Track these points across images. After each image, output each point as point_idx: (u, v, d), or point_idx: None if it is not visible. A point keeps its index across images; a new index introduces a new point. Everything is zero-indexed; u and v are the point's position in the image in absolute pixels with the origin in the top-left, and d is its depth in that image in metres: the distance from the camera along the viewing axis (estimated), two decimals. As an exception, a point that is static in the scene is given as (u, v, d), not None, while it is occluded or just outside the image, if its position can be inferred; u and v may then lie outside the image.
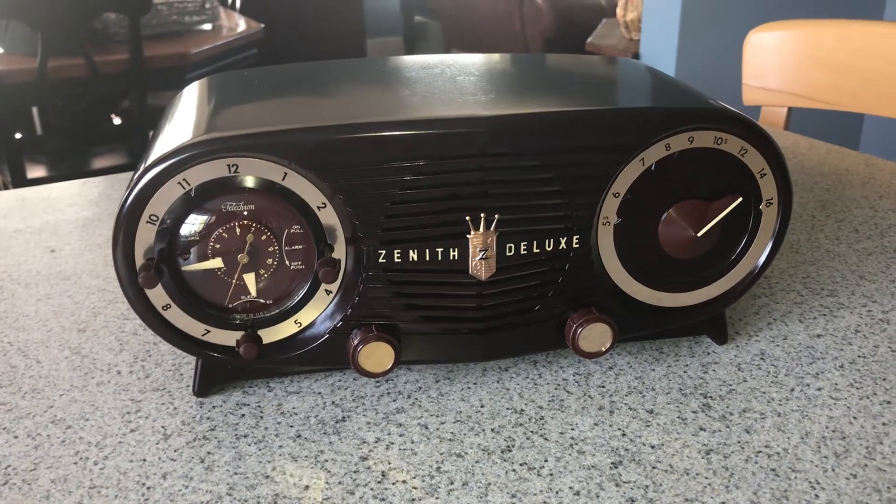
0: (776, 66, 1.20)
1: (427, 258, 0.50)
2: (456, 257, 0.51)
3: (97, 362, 0.57)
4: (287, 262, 0.51)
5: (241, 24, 2.81)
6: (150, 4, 2.37)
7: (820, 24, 1.18)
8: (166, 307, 0.50)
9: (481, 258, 0.50)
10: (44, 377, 0.55)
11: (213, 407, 0.52)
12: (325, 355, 0.52)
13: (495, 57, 0.66)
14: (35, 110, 2.65)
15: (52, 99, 2.43)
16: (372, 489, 0.45)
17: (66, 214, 0.84)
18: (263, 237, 0.50)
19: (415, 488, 0.45)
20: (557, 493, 0.44)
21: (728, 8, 2.10)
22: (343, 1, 4.33)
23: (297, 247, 0.50)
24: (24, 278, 0.69)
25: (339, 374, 0.55)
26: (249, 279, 0.51)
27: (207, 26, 2.67)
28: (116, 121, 2.76)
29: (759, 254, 0.55)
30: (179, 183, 0.48)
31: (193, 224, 0.49)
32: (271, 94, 0.57)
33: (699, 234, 0.52)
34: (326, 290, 0.51)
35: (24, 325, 0.62)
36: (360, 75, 0.61)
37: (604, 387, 0.54)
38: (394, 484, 0.45)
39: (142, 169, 0.48)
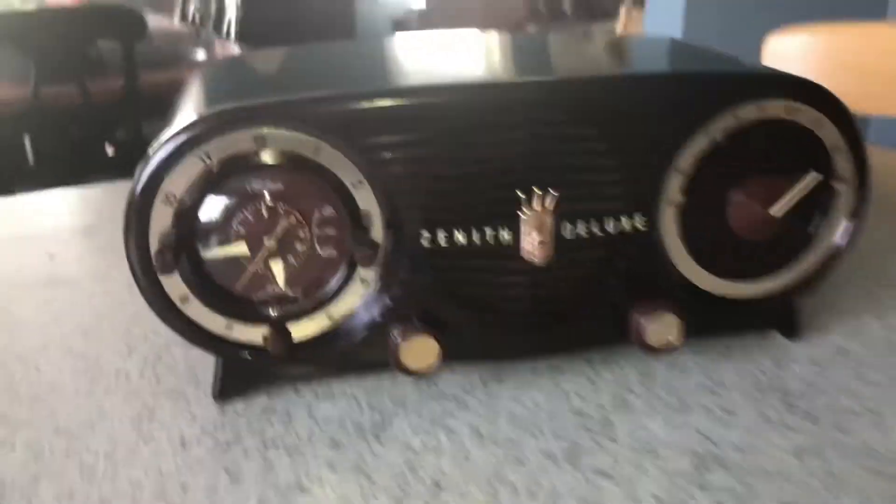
0: (799, 71, 1.16)
1: (475, 241, 0.45)
2: (507, 240, 0.45)
3: (104, 367, 0.51)
4: (318, 249, 0.45)
5: (236, 53, 2.78)
6: (144, 32, 2.34)
7: (843, 28, 1.14)
8: (184, 299, 0.45)
9: (535, 240, 0.45)
10: (44, 384, 0.49)
11: (236, 413, 0.46)
12: (361, 352, 0.47)
13: (530, 32, 0.61)
14: (27, 140, 2.60)
15: (44, 127, 2.38)
16: (426, 502, 0.39)
17: (66, 221, 0.78)
18: (292, 220, 0.44)
19: (477, 500, 0.39)
20: (640, 501, 0.39)
21: (734, 18, 2.06)
22: (341, 32, 4.33)
23: (329, 231, 0.45)
24: (21, 284, 0.64)
25: (373, 376, 0.50)
26: (276, 267, 0.45)
27: (201, 55, 2.64)
28: (110, 151, 2.71)
29: (837, 236, 0.50)
30: (200, 157, 0.42)
31: (215, 204, 0.44)
32: (300, 66, 0.53)
33: (773, 214, 0.47)
34: (362, 280, 0.46)
35: (21, 331, 0.56)
36: (392, 48, 0.56)
37: (671, 386, 0.48)
38: (450, 494, 0.39)
39: (158, 143, 0.43)
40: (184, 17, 3.18)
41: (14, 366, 0.51)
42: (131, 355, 0.52)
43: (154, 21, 2.73)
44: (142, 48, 2.43)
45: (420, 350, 0.45)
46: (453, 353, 0.47)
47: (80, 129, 2.48)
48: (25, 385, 0.49)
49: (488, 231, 0.45)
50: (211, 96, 0.45)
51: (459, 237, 0.45)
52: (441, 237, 0.45)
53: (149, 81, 2.36)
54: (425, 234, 0.45)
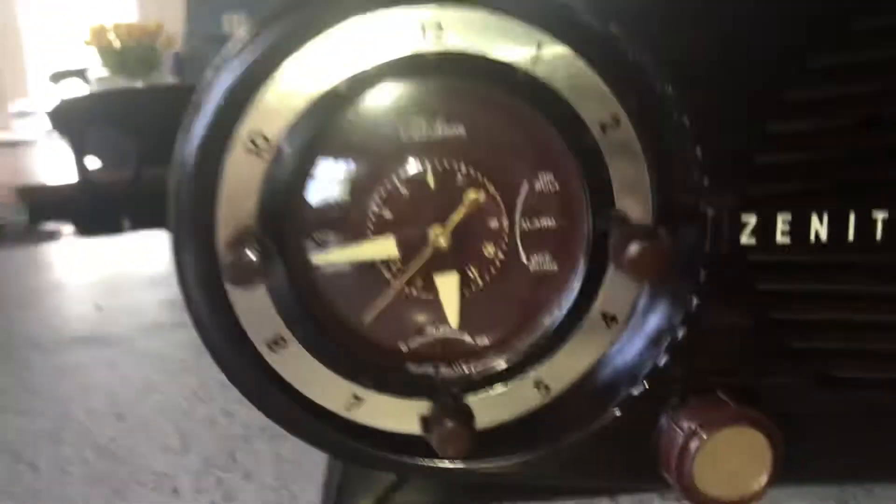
0: None
1: (848, 236, 0.23)
2: (916, 233, 0.23)
3: (139, 471, 0.30)
4: (524, 256, 0.24)
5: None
6: (251, 111, 2.27)
7: None
8: (276, 343, 0.23)
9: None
10: (41, 498, 0.29)
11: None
12: (606, 457, 0.24)
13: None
14: (126, 222, 2.54)
15: (144, 207, 2.31)
16: None
17: (137, 267, 0.60)
18: (480, 195, 0.23)
19: None
20: None
21: None
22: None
23: (544, 221, 0.24)
24: (50, 342, 0.44)
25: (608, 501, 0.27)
26: (448, 287, 0.24)
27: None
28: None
29: None
30: (319, 65, 0.22)
31: (340, 161, 0.23)
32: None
33: None
34: (605, 316, 0.24)
35: (30, 407, 0.36)
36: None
37: None
38: None
39: (241, 43, 0.23)
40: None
41: (5, 462, 0.31)
42: (187, 453, 0.31)
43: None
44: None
45: (734, 456, 0.22)
46: (794, 467, 0.23)
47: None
48: (22, 492, 0.29)
49: (878, 215, 0.23)
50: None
51: (817, 227, 0.23)
52: (780, 227, 0.23)
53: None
54: (747, 219, 0.23)
